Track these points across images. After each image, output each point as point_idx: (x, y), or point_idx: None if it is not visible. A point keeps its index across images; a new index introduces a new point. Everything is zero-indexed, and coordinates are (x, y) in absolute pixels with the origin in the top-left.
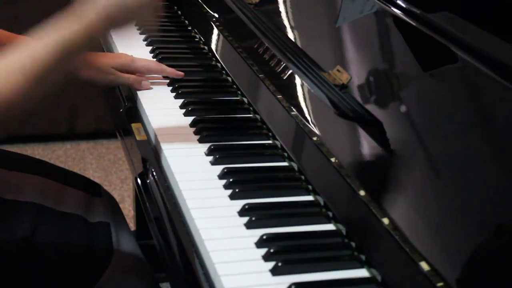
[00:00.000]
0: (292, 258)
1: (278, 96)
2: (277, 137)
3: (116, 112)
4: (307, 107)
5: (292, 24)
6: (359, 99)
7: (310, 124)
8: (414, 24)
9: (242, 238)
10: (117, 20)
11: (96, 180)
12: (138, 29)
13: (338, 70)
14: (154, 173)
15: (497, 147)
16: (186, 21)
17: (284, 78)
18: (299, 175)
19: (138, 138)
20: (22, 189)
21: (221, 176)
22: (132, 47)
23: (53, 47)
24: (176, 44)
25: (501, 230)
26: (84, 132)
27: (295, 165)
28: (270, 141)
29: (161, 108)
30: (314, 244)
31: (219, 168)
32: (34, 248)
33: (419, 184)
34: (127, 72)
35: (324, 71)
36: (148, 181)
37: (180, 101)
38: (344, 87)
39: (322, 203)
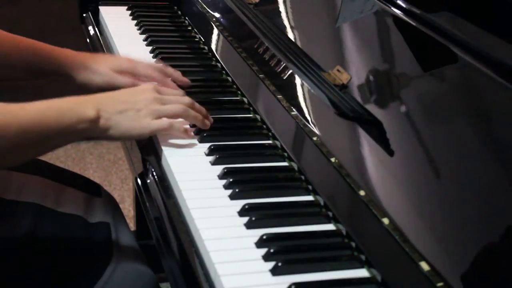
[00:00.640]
0: (292, 258)
1: (278, 96)
2: (277, 137)
3: None
4: (307, 107)
5: (292, 24)
6: (359, 99)
7: (310, 124)
8: (414, 24)
9: (242, 238)
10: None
11: (96, 180)
12: (138, 29)
13: (338, 70)
14: (154, 173)
15: (497, 147)
16: (186, 21)
17: (284, 78)
18: (299, 175)
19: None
20: (22, 189)
21: (221, 176)
22: (132, 46)
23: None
24: (176, 44)
25: (501, 230)
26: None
27: (295, 165)
28: (270, 141)
29: None
30: (314, 244)
31: (219, 168)
32: (34, 248)
33: (419, 184)
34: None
35: (324, 71)
36: (148, 181)
37: None
38: (344, 87)
39: (322, 203)
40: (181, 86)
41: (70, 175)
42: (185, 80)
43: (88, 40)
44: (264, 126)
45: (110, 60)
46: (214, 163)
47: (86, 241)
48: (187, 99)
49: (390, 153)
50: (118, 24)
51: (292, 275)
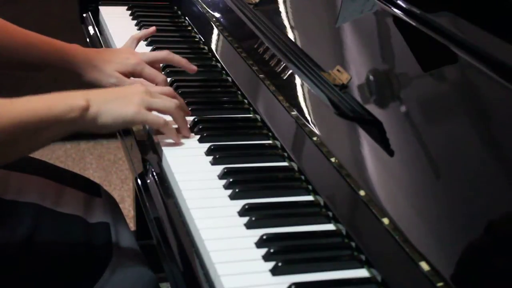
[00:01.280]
0: (292, 258)
1: (278, 96)
2: (277, 137)
3: None
4: (307, 107)
5: (292, 24)
6: (359, 99)
7: (310, 124)
8: (414, 24)
9: (242, 238)
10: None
11: (96, 180)
12: (138, 29)
13: (338, 70)
14: (154, 173)
15: (497, 147)
16: (186, 21)
17: (284, 78)
18: (299, 175)
19: (138, 138)
20: (22, 190)
21: (221, 176)
22: None
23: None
24: (176, 44)
25: (501, 230)
26: (84, 132)
27: (295, 165)
28: (270, 141)
29: None
30: (314, 244)
31: (219, 168)
32: (33, 249)
33: (419, 184)
34: (133, 76)
35: (324, 71)
36: (148, 181)
37: None
38: (344, 87)
39: (322, 203)
40: (186, 80)
41: (70, 175)
42: (193, 67)
43: (88, 40)
44: (264, 126)
45: (117, 61)
46: (214, 163)
47: (86, 241)
48: (174, 101)
49: (390, 153)
50: (118, 24)
51: (292, 275)
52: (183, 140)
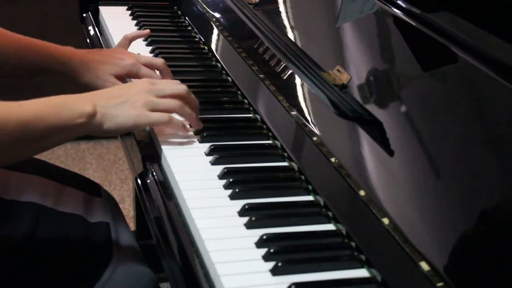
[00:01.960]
0: (292, 258)
1: (278, 96)
2: (277, 137)
3: None
4: (307, 107)
5: (292, 24)
6: (359, 99)
7: (310, 124)
8: (414, 24)
9: (242, 238)
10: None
11: (96, 180)
12: (138, 29)
13: (338, 70)
14: (154, 173)
15: (497, 147)
16: (186, 21)
17: (284, 78)
18: (299, 175)
19: (138, 138)
20: (22, 189)
21: (221, 176)
22: (132, 46)
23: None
24: (176, 44)
25: (501, 230)
26: None
27: (295, 165)
28: (270, 141)
29: None
30: (314, 244)
31: (219, 168)
32: (33, 248)
33: (419, 184)
34: (130, 77)
35: (324, 71)
36: (148, 181)
37: None
38: (344, 87)
39: (322, 203)
40: (185, 80)
41: (70, 175)
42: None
43: (88, 40)
44: (264, 126)
45: (112, 62)
46: (214, 163)
47: (86, 241)
48: (183, 87)
49: (390, 153)
50: (118, 24)
51: (292, 275)
52: (183, 140)
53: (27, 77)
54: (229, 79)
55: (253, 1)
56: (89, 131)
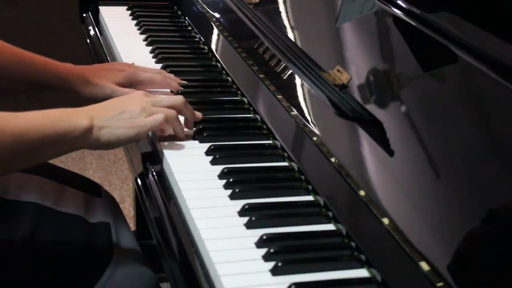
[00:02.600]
0: (292, 258)
1: (278, 96)
2: (277, 137)
3: None
4: (307, 107)
5: (292, 24)
6: (359, 99)
7: (310, 124)
8: (414, 24)
9: (242, 238)
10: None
11: (96, 180)
12: (138, 29)
13: (338, 70)
14: (154, 173)
15: (497, 147)
16: (186, 21)
17: (284, 78)
18: (299, 175)
19: None
20: (22, 189)
21: (221, 176)
22: (132, 46)
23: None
24: (176, 44)
25: (501, 230)
26: None
27: (295, 165)
28: (270, 141)
29: None
30: (314, 244)
31: (219, 168)
32: (34, 248)
33: (419, 184)
34: (130, 84)
35: (324, 71)
36: (148, 181)
37: None
38: (344, 87)
39: (322, 203)
40: (185, 80)
41: (70, 175)
42: (178, 86)
43: (88, 40)
44: (264, 126)
45: (110, 73)
46: (214, 163)
47: (86, 241)
48: (179, 98)
49: (390, 153)
50: (118, 24)
51: (292, 275)
52: (183, 140)
53: (26, 92)
54: (229, 79)
55: (253, 1)
56: (87, 145)
